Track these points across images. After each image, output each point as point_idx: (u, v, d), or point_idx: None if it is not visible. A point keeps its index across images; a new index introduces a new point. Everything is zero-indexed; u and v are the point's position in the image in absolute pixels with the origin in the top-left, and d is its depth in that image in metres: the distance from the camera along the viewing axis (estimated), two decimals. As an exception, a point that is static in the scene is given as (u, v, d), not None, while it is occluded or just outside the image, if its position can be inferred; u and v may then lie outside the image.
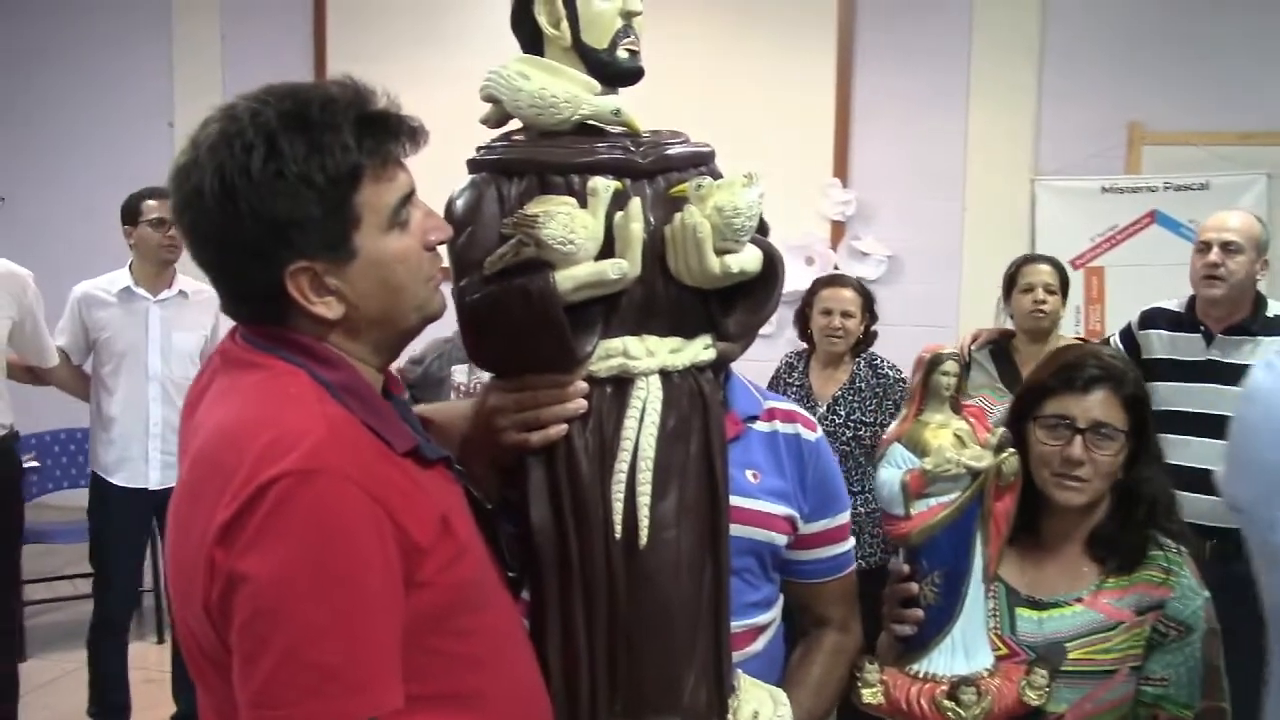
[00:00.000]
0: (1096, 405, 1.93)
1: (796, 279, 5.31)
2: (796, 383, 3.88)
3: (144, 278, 4.01)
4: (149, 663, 4.16)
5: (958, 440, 1.76)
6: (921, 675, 1.79)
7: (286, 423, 1.16)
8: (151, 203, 3.94)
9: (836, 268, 5.79)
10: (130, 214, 3.97)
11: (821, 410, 3.74)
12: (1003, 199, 5.74)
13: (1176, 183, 5.49)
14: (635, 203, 1.36)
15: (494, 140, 1.46)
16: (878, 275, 5.88)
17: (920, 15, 5.84)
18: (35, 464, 4.56)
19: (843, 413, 3.71)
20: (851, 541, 1.93)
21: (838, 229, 5.96)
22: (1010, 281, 3.96)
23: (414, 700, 1.18)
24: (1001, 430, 1.81)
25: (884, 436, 1.85)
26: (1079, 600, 1.94)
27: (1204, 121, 5.53)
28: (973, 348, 4.03)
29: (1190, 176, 5.46)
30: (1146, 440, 1.98)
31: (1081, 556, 1.98)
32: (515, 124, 1.47)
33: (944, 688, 1.75)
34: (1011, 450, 1.78)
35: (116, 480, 3.98)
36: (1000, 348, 3.92)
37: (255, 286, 1.24)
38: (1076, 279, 5.67)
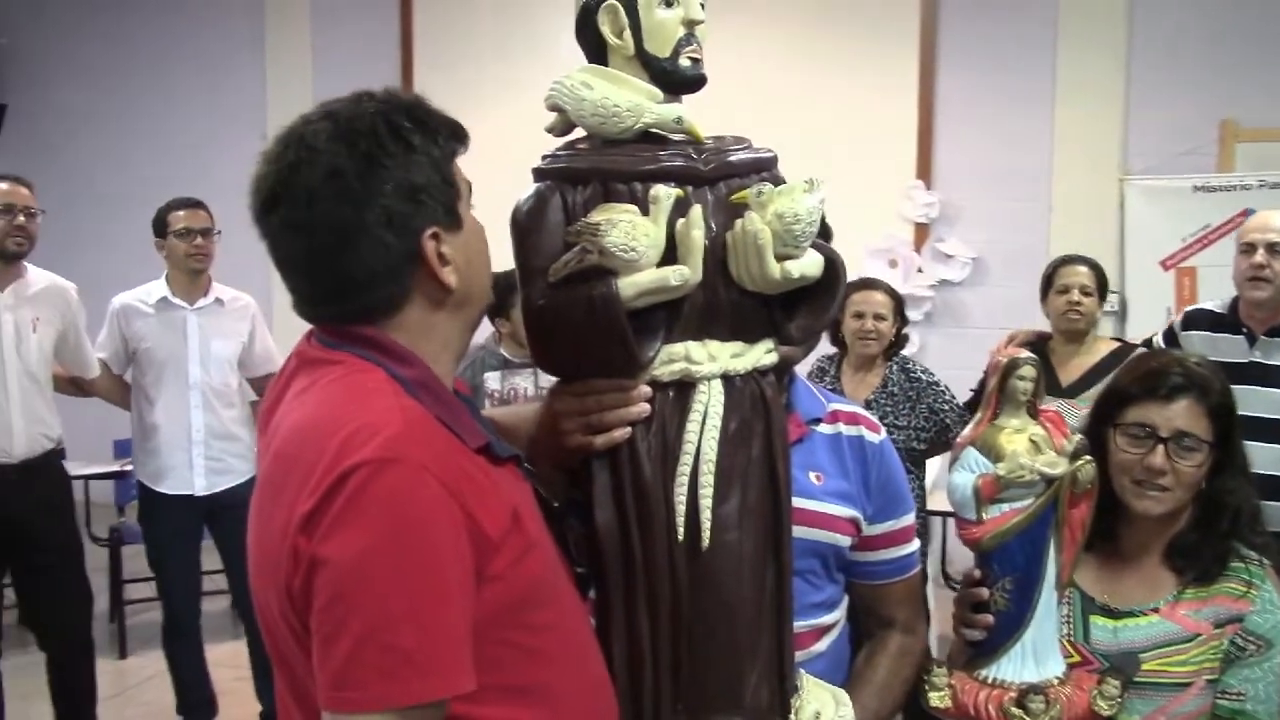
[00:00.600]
0: (1180, 414, 1.89)
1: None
2: (828, 387, 3.86)
3: (179, 287, 4.08)
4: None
5: (1033, 446, 1.74)
6: (990, 681, 1.78)
7: (365, 416, 1.20)
8: (179, 214, 4.02)
9: (920, 270, 5.76)
10: (160, 226, 4.05)
11: None
12: (1090, 199, 5.67)
13: (1271, 180, 5.36)
14: (696, 210, 1.38)
15: (559, 149, 1.48)
16: (962, 278, 5.83)
17: (1004, 12, 5.78)
18: (130, 467, 4.68)
19: (875, 417, 3.67)
20: (916, 543, 1.94)
21: (921, 231, 5.92)
22: (1047, 282, 3.97)
23: (484, 691, 1.21)
24: (1078, 437, 1.78)
25: (958, 440, 1.84)
26: (1155, 610, 1.90)
27: (1300, 117, 5.41)
28: (1008, 349, 4.00)
29: (1286, 174, 5.33)
30: (1232, 450, 1.93)
31: (1160, 566, 1.94)
32: (580, 132, 1.49)
33: (1012, 695, 1.74)
34: (1088, 458, 1.76)
35: (162, 488, 4.06)
36: (1036, 349, 3.87)
37: (389, 258, 1.28)
38: (1167, 280, 5.58)
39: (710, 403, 1.42)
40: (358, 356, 1.29)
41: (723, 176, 1.45)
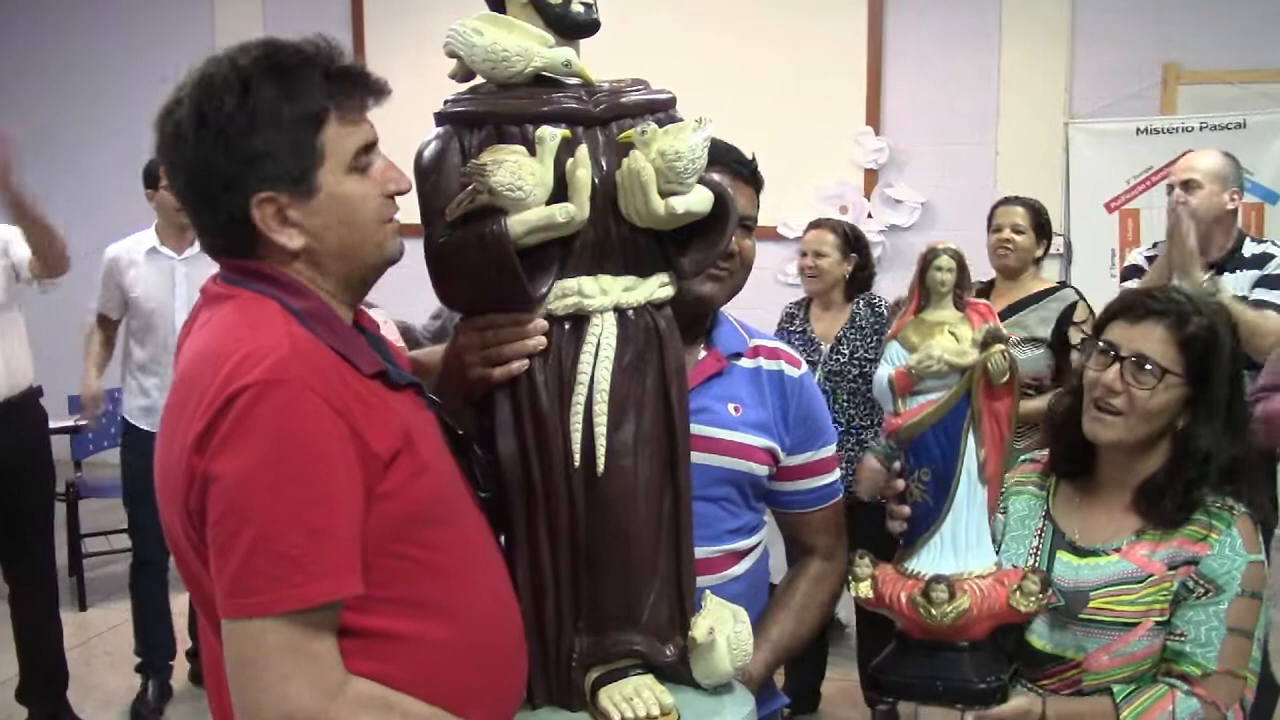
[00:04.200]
0: (1144, 337, 1.85)
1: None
2: (798, 329, 3.99)
3: (168, 238, 4.19)
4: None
5: (953, 338, 1.74)
6: (908, 572, 1.80)
7: (254, 342, 1.28)
8: None
9: (870, 216, 5.82)
10: (151, 178, 4.13)
11: (825, 351, 3.85)
12: (1036, 142, 5.73)
13: (1213, 122, 5.43)
14: (582, 150, 1.43)
15: (459, 94, 1.53)
16: (911, 222, 5.90)
17: (952, -44, 5.81)
18: (85, 422, 4.71)
19: (846, 351, 3.82)
20: (837, 473, 2.01)
21: (870, 177, 5.98)
22: (988, 223, 4.03)
23: (379, 602, 1.29)
24: (987, 326, 1.76)
25: (887, 333, 1.85)
26: (1117, 550, 1.88)
27: (1241, 59, 5.49)
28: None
29: (1227, 115, 5.40)
30: (1209, 392, 1.86)
31: (1130, 507, 1.91)
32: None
33: (920, 585, 1.75)
34: (999, 347, 1.73)
35: (144, 425, 4.13)
36: (982, 294, 3.95)
37: (225, 215, 1.35)
38: (1111, 222, 5.66)
39: (603, 335, 1.48)
40: (254, 292, 1.36)
41: (615, 117, 1.49)
